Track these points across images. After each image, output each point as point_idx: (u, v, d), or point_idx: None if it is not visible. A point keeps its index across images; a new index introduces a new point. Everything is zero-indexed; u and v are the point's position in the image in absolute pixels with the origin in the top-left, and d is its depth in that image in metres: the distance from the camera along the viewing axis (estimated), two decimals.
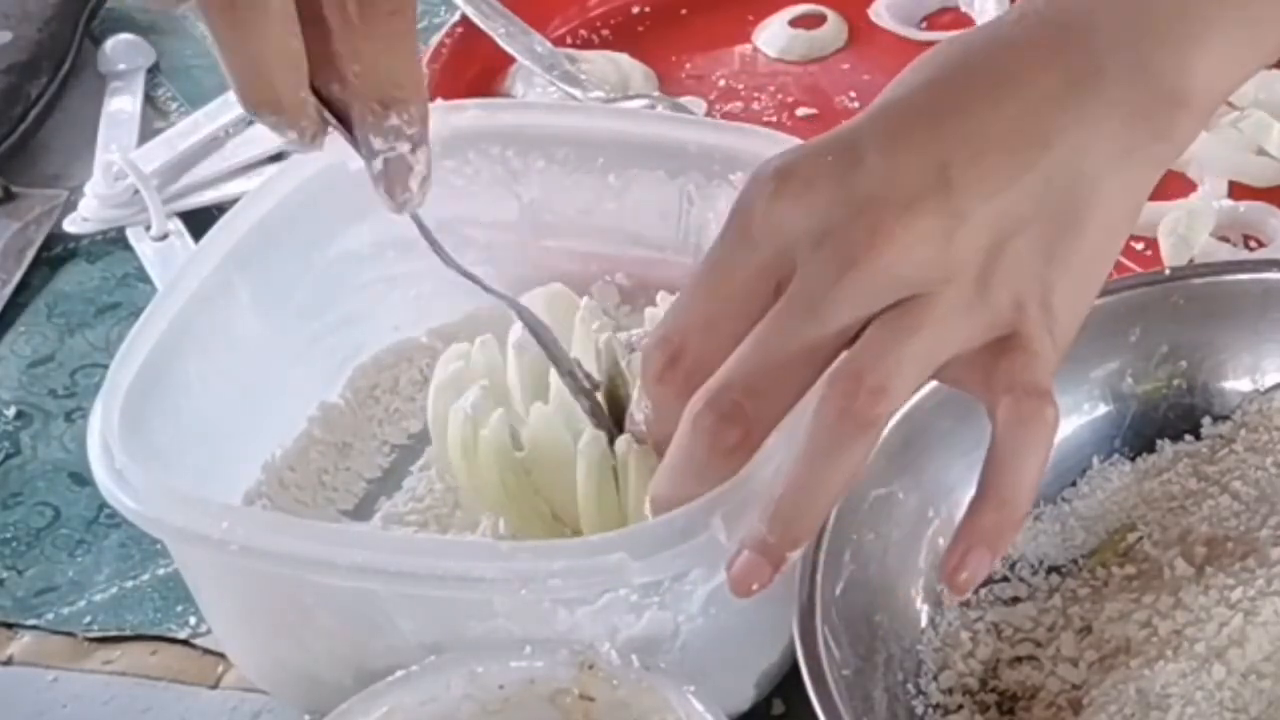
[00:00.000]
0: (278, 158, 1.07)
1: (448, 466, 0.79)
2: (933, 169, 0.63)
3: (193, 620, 0.84)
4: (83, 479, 0.90)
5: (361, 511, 0.85)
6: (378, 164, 0.68)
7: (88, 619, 0.85)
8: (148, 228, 1.05)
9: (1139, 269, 0.87)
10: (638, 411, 0.69)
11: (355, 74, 0.66)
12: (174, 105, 1.16)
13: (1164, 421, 0.78)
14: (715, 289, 0.64)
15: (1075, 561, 0.75)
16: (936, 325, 0.62)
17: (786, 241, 0.63)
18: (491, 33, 1.07)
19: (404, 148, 0.67)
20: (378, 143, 0.67)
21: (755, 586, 0.62)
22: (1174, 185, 0.93)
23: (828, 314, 0.62)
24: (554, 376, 0.76)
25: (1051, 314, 0.63)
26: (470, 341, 0.85)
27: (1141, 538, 0.74)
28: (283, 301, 0.85)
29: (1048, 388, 0.62)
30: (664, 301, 0.82)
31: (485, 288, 0.76)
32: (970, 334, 0.62)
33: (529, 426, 0.76)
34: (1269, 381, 0.77)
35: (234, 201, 0.87)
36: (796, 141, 0.71)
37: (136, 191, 1.05)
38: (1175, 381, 0.78)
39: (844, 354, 0.62)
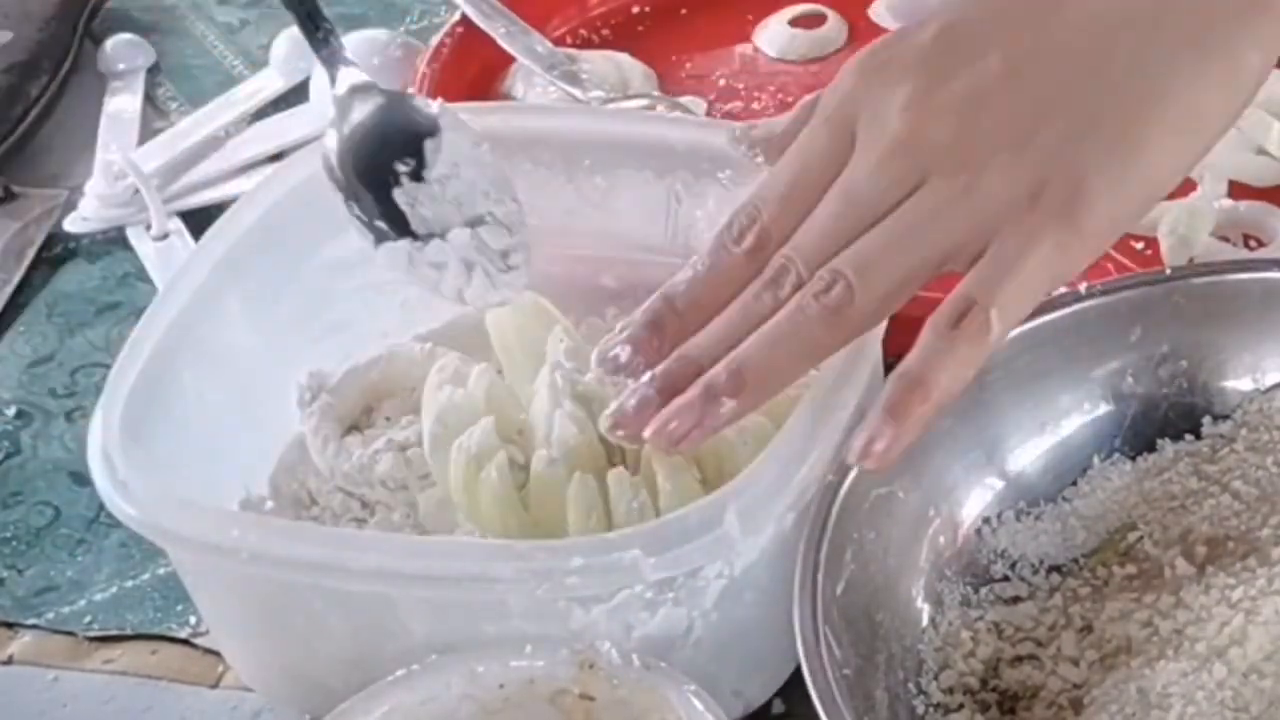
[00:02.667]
0: (277, 158, 1.07)
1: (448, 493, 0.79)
2: (975, 53, 0.67)
3: (193, 620, 0.84)
4: (83, 478, 0.90)
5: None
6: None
7: (88, 618, 0.85)
8: (148, 227, 1.05)
9: (1139, 269, 0.86)
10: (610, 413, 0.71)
11: None
12: (174, 105, 1.16)
13: (1164, 421, 0.78)
14: (793, 162, 0.71)
15: (1076, 561, 0.75)
16: (939, 217, 0.66)
17: (849, 120, 0.69)
18: (491, 33, 1.07)
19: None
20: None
21: (674, 426, 0.67)
22: None
23: (855, 197, 0.68)
24: (560, 416, 0.76)
25: (1084, 197, 0.65)
26: (457, 348, 0.85)
27: (1142, 537, 0.74)
28: (273, 309, 0.85)
29: (987, 305, 0.64)
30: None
31: None
32: (978, 218, 0.66)
33: (533, 474, 0.76)
34: (1270, 381, 0.77)
35: (234, 201, 0.87)
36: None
37: (136, 191, 1.05)
38: (1176, 381, 0.78)
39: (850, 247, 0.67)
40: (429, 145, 0.82)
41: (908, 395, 0.65)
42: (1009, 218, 0.65)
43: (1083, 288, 0.77)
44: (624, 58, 1.08)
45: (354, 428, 0.85)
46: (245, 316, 0.84)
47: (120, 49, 1.18)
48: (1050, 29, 0.68)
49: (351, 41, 1.10)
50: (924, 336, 0.65)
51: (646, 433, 0.69)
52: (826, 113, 0.71)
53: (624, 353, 0.71)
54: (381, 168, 0.82)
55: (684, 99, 1.05)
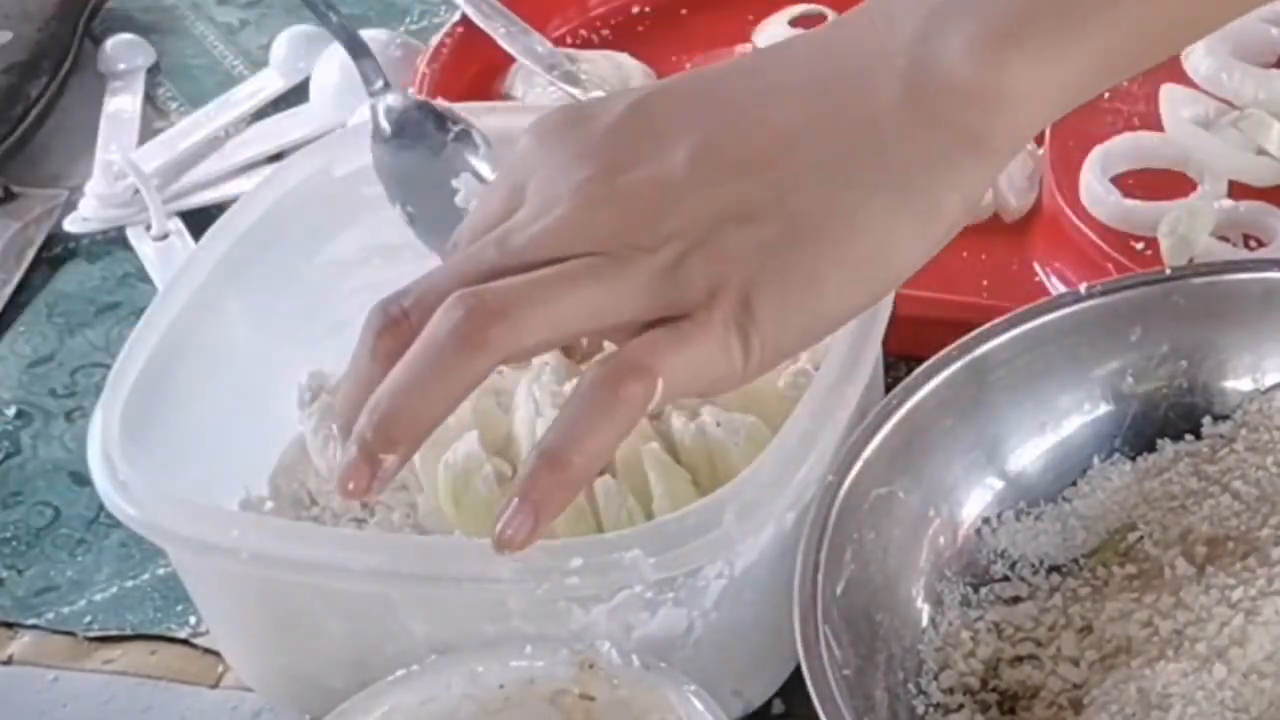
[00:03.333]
0: (277, 158, 1.07)
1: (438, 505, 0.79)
2: (670, 135, 0.63)
3: (193, 620, 0.84)
4: (83, 479, 0.90)
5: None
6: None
7: (88, 618, 0.85)
8: (148, 227, 1.05)
9: (1139, 269, 0.86)
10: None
11: None
12: (174, 105, 1.16)
13: (1164, 421, 0.78)
14: (475, 214, 0.67)
15: (1076, 561, 0.75)
16: (608, 283, 0.61)
17: (519, 184, 0.64)
18: (491, 33, 1.07)
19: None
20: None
21: (351, 487, 0.62)
22: (1174, 185, 0.93)
23: (511, 250, 0.62)
24: (541, 426, 0.76)
25: (750, 314, 0.61)
26: None
27: (1142, 537, 0.74)
28: (273, 309, 0.85)
29: (655, 370, 0.61)
30: None
31: None
32: (645, 303, 0.62)
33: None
34: (1270, 381, 0.77)
35: (234, 201, 0.87)
36: None
37: (136, 191, 1.05)
38: (1176, 381, 0.78)
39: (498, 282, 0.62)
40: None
41: (548, 477, 0.61)
42: (683, 304, 0.61)
43: (1083, 288, 0.77)
44: (624, 58, 1.08)
45: None
46: (245, 316, 0.84)
47: (120, 49, 1.18)
48: (746, 132, 0.63)
49: None
50: (578, 396, 0.61)
51: (336, 491, 0.64)
52: (501, 176, 0.67)
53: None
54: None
55: None
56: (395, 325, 0.64)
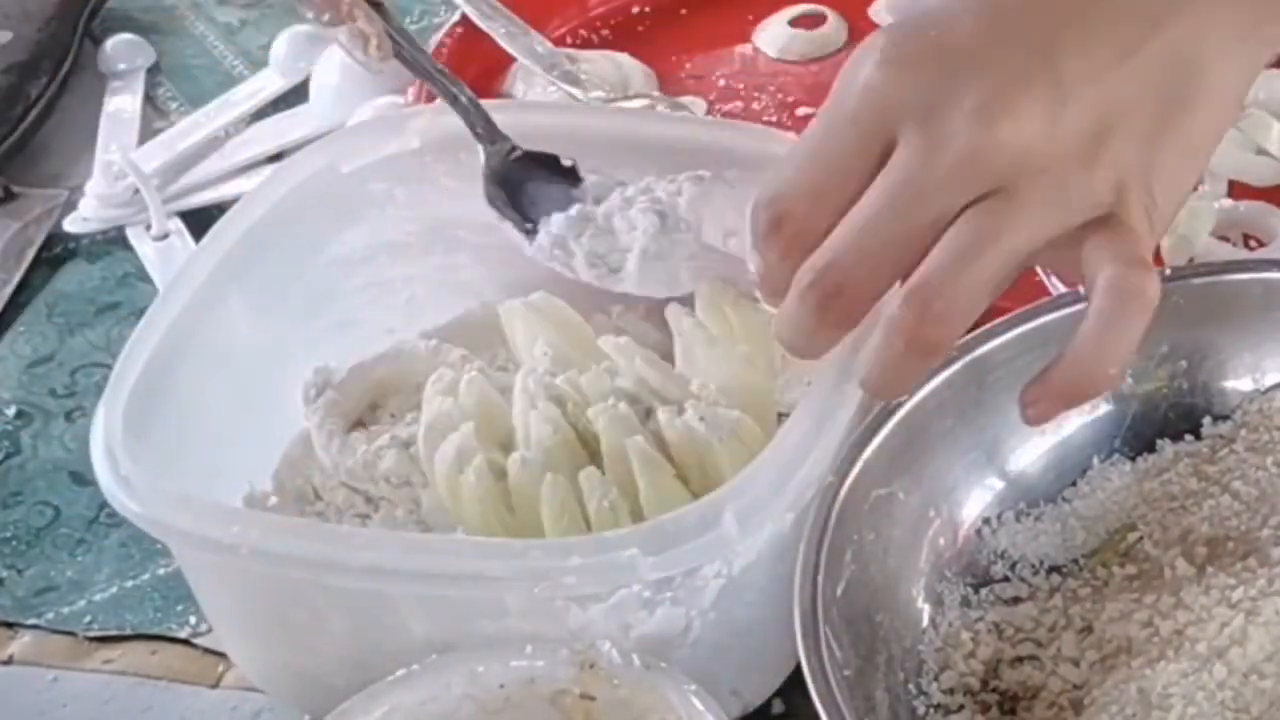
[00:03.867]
0: (277, 158, 1.07)
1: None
2: (1037, 48, 0.63)
3: (193, 620, 0.84)
4: (83, 479, 0.90)
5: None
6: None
7: (88, 619, 0.85)
8: (148, 227, 1.05)
9: None
10: (750, 263, 0.68)
11: None
12: (174, 105, 1.16)
13: (1164, 421, 0.78)
14: (819, 156, 0.65)
15: (1076, 561, 0.75)
16: (1024, 223, 0.62)
17: (889, 115, 0.63)
18: (491, 33, 1.07)
19: None
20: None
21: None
22: None
23: (925, 202, 0.63)
24: (535, 418, 0.77)
25: (1152, 197, 0.63)
26: (462, 345, 0.85)
27: (1142, 538, 0.74)
28: (277, 306, 0.85)
29: (1149, 261, 0.63)
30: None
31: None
32: (1065, 219, 0.63)
33: (510, 476, 0.76)
34: (1269, 381, 0.77)
35: (234, 201, 0.87)
36: (794, 139, 0.71)
37: (136, 191, 1.06)
38: (1176, 381, 0.78)
39: (922, 264, 0.63)
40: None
41: (1086, 387, 0.64)
42: (1095, 211, 0.63)
43: (1083, 288, 0.77)
44: (624, 58, 1.08)
45: (359, 424, 0.86)
46: (250, 313, 0.84)
47: (120, 49, 1.18)
48: (1103, 11, 0.64)
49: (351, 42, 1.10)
50: (1103, 311, 0.63)
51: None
52: (850, 110, 0.64)
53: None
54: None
55: (684, 99, 1.05)
56: (833, 298, 0.64)
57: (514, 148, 0.85)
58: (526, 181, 0.85)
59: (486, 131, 0.86)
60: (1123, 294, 0.62)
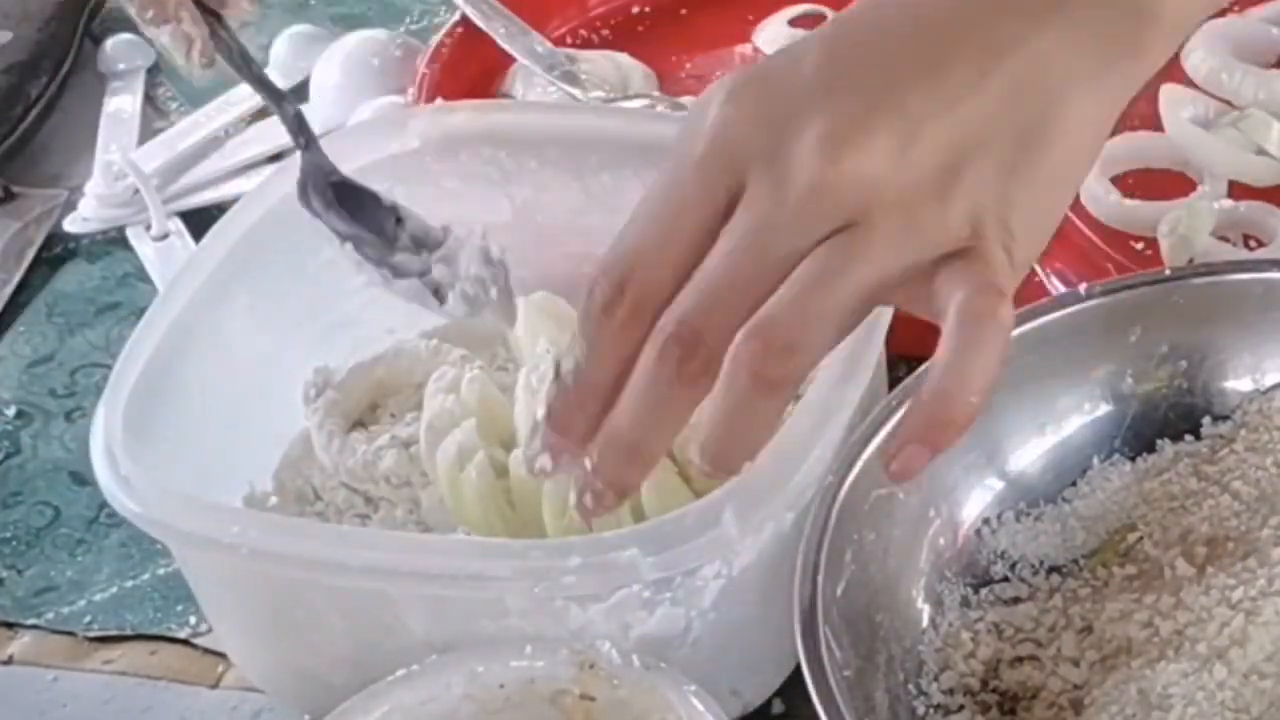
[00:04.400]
0: (277, 158, 1.07)
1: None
2: (880, 82, 0.61)
3: (193, 620, 0.84)
4: (83, 479, 0.90)
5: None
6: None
7: (88, 619, 0.85)
8: (148, 227, 1.05)
9: (1139, 269, 0.86)
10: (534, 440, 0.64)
11: None
12: (174, 105, 1.16)
13: (1164, 421, 0.78)
14: (665, 210, 0.62)
15: (1076, 561, 0.75)
16: (875, 254, 0.60)
17: (734, 160, 0.61)
18: (491, 33, 1.07)
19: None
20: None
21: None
22: (1174, 185, 0.93)
23: (777, 239, 0.60)
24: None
25: (1010, 233, 0.61)
26: (462, 345, 0.85)
27: (1142, 538, 0.74)
28: (277, 306, 0.85)
29: (1005, 291, 0.60)
30: None
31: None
32: (917, 250, 0.60)
33: (510, 473, 0.76)
34: (1269, 381, 0.77)
35: (234, 201, 0.87)
36: None
37: (136, 191, 1.06)
38: (1175, 381, 0.78)
39: (769, 300, 0.60)
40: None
41: (943, 417, 0.60)
42: (949, 245, 0.60)
43: (1082, 288, 0.77)
44: (624, 58, 1.08)
45: (359, 424, 0.86)
46: (250, 313, 0.84)
47: (120, 49, 1.18)
48: (954, 43, 0.62)
49: (351, 41, 1.10)
50: (955, 336, 0.60)
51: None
52: (692, 156, 0.62)
53: (547, 462, 0.64)
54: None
55: (684, 99, 1.05)
56: (679, 349, 0.61)
57: (334, 171, 0.84)
58: (345, 201, 0.84)
59: (310, 147, 0.85)
60: (976, 317, 0.59)
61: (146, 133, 1.13)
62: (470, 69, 1.06)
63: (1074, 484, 0.77)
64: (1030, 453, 0.76)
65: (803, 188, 0.60)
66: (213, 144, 1.10)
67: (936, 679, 0.71)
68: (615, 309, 0.61)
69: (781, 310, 0.60)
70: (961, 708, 0.71)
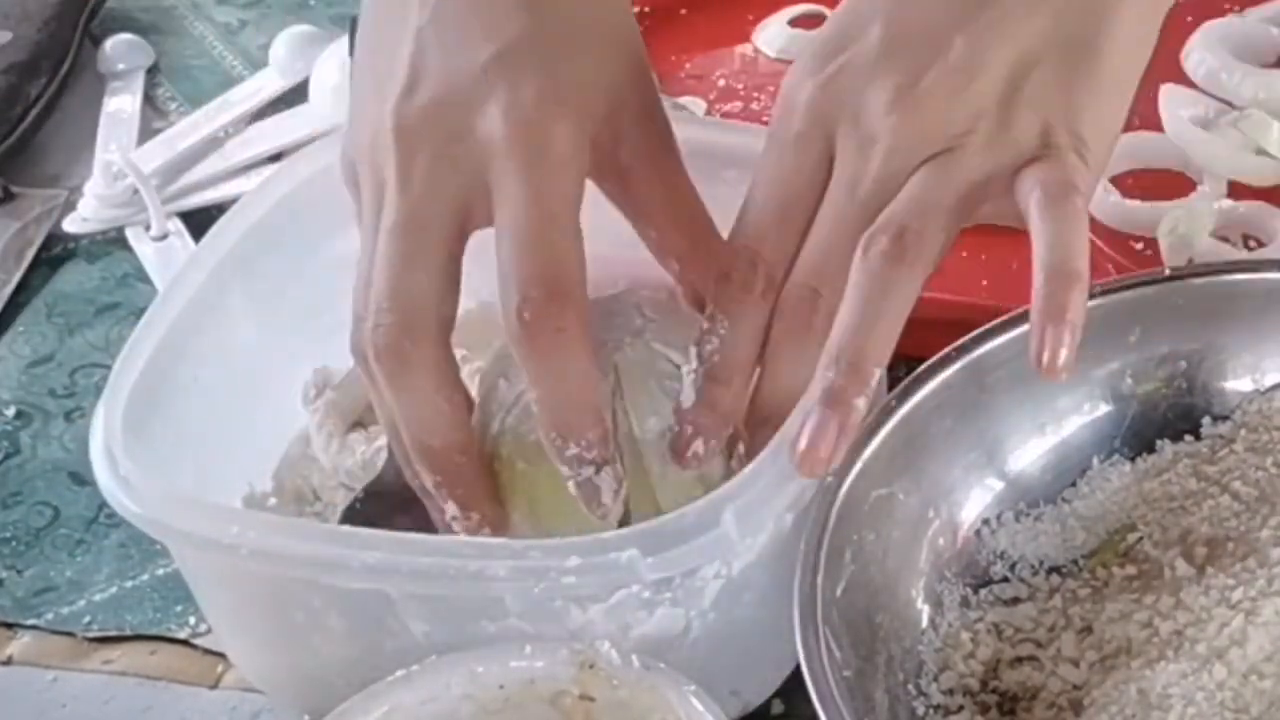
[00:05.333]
0: (277, 158, 1.07)
1: None
2: (940, 30, 0.68)
3: (193, 620, 0.84)
4: (82, 479, 0.90)
5: None
6: (570, 485, 0.70)
7: (87, 619, 0.85)
8: (147, 228, 1.05)
9: (1139, 269, 0.86)
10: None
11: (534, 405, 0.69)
12: (174, 105, 1.16)
13: (1164, 421, 0.78)
14: (776, 190, 0.70)
15: (1075, 562, 0.75)
16: (964, 175, 0.67)
17: (825, 130, 0.69)
18: None
19: (588, 471, 0.69)
20: (564, 470, 0.69)
21: (824, 452, 0.65)
22: (1174, 185, 0.93)
23: (867, 197, 0.68)
24: None
25: (1079, 138, 0.67)
26: (460, 345, 0.85)
27: (1142, 538, 0.74)
28: (278, 306, 0.85)
29: (1076, 183, 0.66)
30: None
31: None
32: (999, 169, 0.67)
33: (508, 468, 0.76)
34: (1269, 381, 0.77)
35: (234, 201, 0.87)
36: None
37: (136, 191, 1.05)
38: (1175, 381, 0.78)
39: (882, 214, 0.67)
40: None
41: (1069, 289, 0.65)
42: (1029, 154, 0.67)
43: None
44: None
45: (358, 424, 0.86)
46: (250, 313, 0.84)
47: (120, 49, 1.18)
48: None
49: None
50: (1045, 219, 0.65)
51: (800, 468, 0.67)
52: (790, 133, 0.70)
53: (701, 447, 0.70)
54: None
55: (684, 99, 1.05)
56: (759, 313, 0.70)
57: None
58: None
59: None
60: (1055, 199, 0.65)
61: (146, 133, 1.12)
62: None
63: (1074, 484, 0.77)
64: (1030, 453, 0.76)
65: (884, 146, 0.68)
66: (212, 144, 1.10)
67: (936, 679, 0.71)
68: (754, 284, 0.69)
69: (899, 210, 0.67)
70: (961, 708, 0.71)
